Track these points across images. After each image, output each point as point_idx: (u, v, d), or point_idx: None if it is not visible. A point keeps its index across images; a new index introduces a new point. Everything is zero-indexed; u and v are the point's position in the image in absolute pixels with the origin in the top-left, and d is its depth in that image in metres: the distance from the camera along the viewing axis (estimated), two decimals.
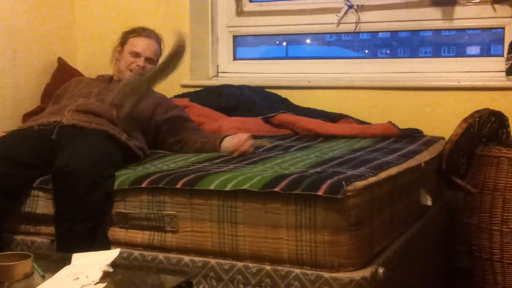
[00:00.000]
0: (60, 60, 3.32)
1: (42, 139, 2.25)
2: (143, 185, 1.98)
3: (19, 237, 2.15)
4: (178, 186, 1.92)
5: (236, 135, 2.42)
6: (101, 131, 2.29)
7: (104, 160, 2.10)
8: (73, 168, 2.00)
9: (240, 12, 3.37)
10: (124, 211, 2.02)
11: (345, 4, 3.14)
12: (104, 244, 2.01)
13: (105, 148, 2.19)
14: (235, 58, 3.43)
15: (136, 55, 2.63)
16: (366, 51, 3.49)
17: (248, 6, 3.36)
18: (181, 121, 2.59)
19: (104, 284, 1.49)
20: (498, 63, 2.89)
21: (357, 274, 1.75)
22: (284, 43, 3.66)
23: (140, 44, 2.63)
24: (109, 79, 2.69)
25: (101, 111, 2.39)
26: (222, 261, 1.87)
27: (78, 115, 2.36)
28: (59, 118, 2.34)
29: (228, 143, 2.39)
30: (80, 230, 1.99)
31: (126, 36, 2.68)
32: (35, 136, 2.28)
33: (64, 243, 2.01)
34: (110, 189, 2.04)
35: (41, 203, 2.12)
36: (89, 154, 2.09)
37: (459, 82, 2.89)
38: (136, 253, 1.98)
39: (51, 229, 2.09)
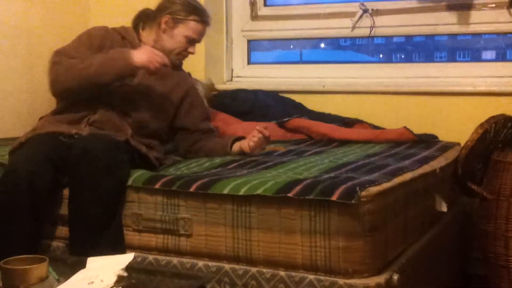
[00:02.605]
0: None
1: (66, 148, 2.19)
2: (157, 186, 1.98)
3: None
4: (192, 190, 1.93)
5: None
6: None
7: (119, 146, 2.11)
8: (89, 150, 2.02)
9: (254, 17, 3.37)
10: (138, 211, 2.02)
11: (360, 8, 3.13)
12: (118, 235, 2.01)
13: (120, 142, 2.18)
14: (249, 63, 3.43)
15: (192, 41, 2.41)
16: (381, 55, 3.47)
17: (263, 11, 3.37)
18: (210, 134, 2.53)
19: None
20: None
21: (372, 281, 1.74)
22: (299, 48, 3.66)
23: (201, 32, 2.41)
24: None
25: (116, 130, 2.29)
26: (236, 266, 1.87)
27: (95, 129, 2.29)
28: (80, 131, 2.28)
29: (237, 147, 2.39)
30: (91, 210, 1.98)
31: (184, 14, 2.38)
32: (61, 143, 2.23)
33: (76, 222, 2.02)
34: (124, 177, 2.03)
35: (58, 203, 2.12)
36: (105, 140, 2.11)
37: (474, 87, 2.87)
38: (151, 257, 1.98)
39: (66, 232, 2.10)
